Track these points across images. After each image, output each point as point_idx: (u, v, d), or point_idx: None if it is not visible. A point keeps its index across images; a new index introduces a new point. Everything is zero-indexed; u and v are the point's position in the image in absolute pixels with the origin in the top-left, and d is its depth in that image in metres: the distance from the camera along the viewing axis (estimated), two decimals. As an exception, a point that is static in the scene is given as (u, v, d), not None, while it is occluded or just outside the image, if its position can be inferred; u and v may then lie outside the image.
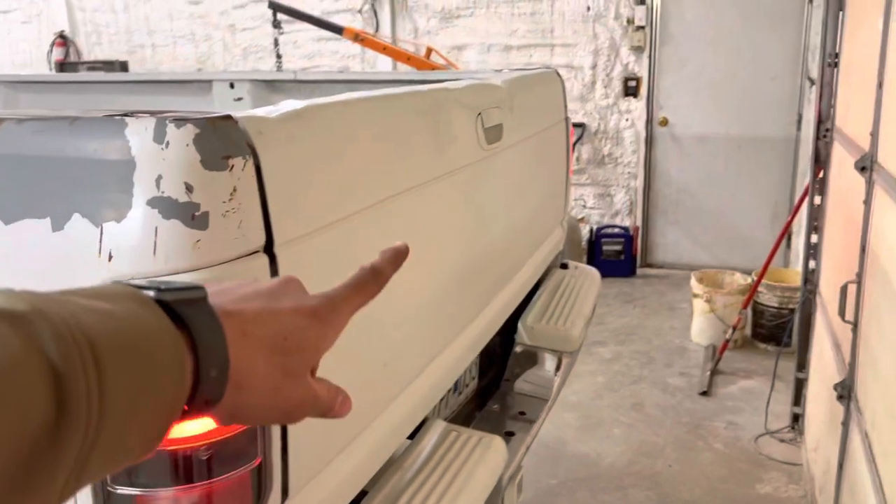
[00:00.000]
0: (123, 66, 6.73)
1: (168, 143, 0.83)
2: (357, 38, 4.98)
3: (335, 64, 6.34)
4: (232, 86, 2.95)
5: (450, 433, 1.51)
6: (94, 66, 6.69)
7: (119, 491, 0.87)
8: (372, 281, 0.58)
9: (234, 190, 0.87)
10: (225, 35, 6.60)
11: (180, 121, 0.84)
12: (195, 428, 0.89)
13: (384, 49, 5.03)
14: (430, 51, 5.03)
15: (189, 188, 0.83)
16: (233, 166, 0.87)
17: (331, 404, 0.55)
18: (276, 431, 0.96)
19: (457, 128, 1.51)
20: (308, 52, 6.35)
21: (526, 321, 2.09)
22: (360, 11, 6.10)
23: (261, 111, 0.97)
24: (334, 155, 1.09)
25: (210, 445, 0.90)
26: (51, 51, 7.08)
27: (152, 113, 0.88)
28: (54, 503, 0.39)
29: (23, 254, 0.86)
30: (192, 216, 0.83)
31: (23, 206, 0.86)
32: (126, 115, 0.87)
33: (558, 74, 2.44)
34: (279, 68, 5.63)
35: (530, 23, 5.79)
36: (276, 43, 5.47)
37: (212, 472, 0.91)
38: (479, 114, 1.62)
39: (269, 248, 0.92)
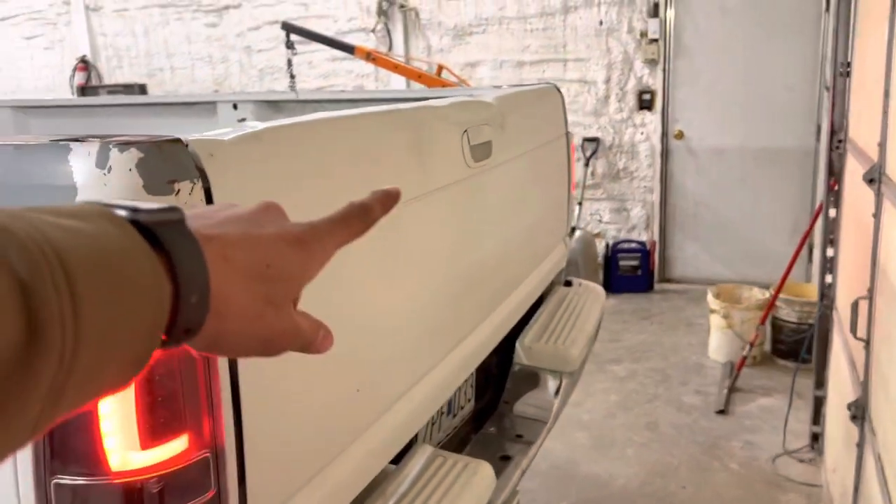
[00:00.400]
0: (142, 89, 6.82)
1: (110, 167, 0.82)
2: (369, 57, 5.00)
3: (350, 83, 6.37)
4: (235, 107, 2.96)
5: (436, 458, 1.47)
6: (114, 89, 6.80)
7: (66, 525, 0.85)
8: (359, 217, 0.55)
9: (181, 215, 0.84)
10: (241, 56, 6.67)
11: (124, 145, 0.83)
12: (147, 459, 0.86)
13: (395, 67, 5.03)
14: (441, 68, 5.03)
15: (131, 214, 0.81)
16: (179, 190, 0.85)
17: (312, 337, 0.52)
18: (232, 460, 0.93)
19: (440, 146, 1.48)
20: (323, 71, 6.39)
21: (523, 340, 2.04)
22: (373, 31, 6.13)
23: (215, 133, 0.95)
24: (299, 176, 1.06)
25: (161, 477, 0.87)
26: (73, 75, 7.21)
27: (101, 138, 0.86)
28: (27, 436, 0.36)
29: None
30: (134, 242, 0.81)
31: (-32, 233, 0.85)
32: (74, 140, 0.86)
33: (558, 89, 2.40)
34: (293, 88, 5.66)
35: (543, 38, 5.77)
36: (289, 63, 5.49)
37: (164, 503, 0.88)
38: (466, 131, 1.59)
39: (220, 274, 0.89)
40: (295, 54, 5.53)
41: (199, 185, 0.87)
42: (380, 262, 1.26)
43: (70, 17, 7.18)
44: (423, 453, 1.47)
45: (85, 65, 7.19)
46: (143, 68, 7.06)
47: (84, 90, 7.08)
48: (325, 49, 5.81)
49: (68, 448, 0.84)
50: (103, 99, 4.23)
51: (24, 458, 0.84)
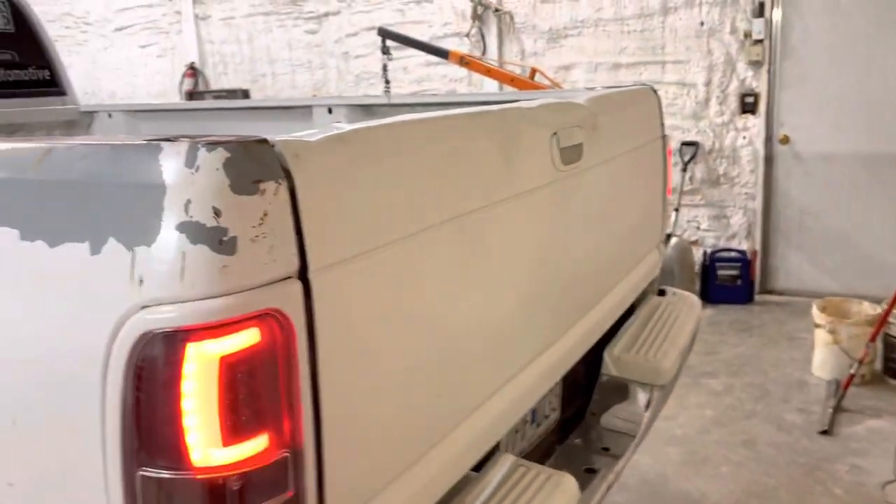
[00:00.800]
0: (245, 94, 7.08)
1: (198, 167, 0.83)
2: (462, 61, 5.01)
3: (443, 87, 6.40)
4: (330, 111, 3.02)
5: (518, 468, 1.44)
6: (219, 94, 7.09)
7: (149, 517, 0.87)
8: None
9: (265, 214, 0.85)
10: (339, 62, 6.81)
11: (212, 145, 0.84)
12: (228, 457, 0.87)
13: (488, 71, 5.02)
14: (534, 71, 4.99)
15: (217, 213, 0.82)
16: (264, 190, 0.85)
17: None
18: (311, 461, 0.93)
19: (528, 148, 1.45)
20: (417, 76, 6.45)
21: (612, 350, 1.98)
22: (468, 35, 6.14)
23: (302, 134, 0.96)
24: (383, 177, 1.06)
25: (242, 475, 0.88)
26: (182, 81, 7.56)
27: (191, 138, 0.88)
28: None
29: (64, 277, 0.88)
30: (219, 241, 0.82)
31: (67, 229, 0.88)
32: (166, 140, 0.88)
33: (654, 91, 2.32)
34: (387, 93, 5.73)
35: (640, 40, 5.62)
36: (384, 69, 5.57)
37: (243, 502, 0.88)
38: (555, 133, 1.55)
39: (303, 274, 0.89)
40: (390, 59, 5.61)
41: (284, 185, 0.87)
42: (465, 265, 1.24)
43: (181, 26, 7.53)
44: (505, 462, 1.43)
45: (193, 71, 7.52)
46: (247, 74, 7.32)
47: (192, 95, 7.41)
48: (419, 54, 5.86)
49: (154, 441, 0.86)
50: (206, 103, 4.41)
51: (113, 449, 0.86)
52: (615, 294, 1.99)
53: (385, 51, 5.47)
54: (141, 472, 0.86)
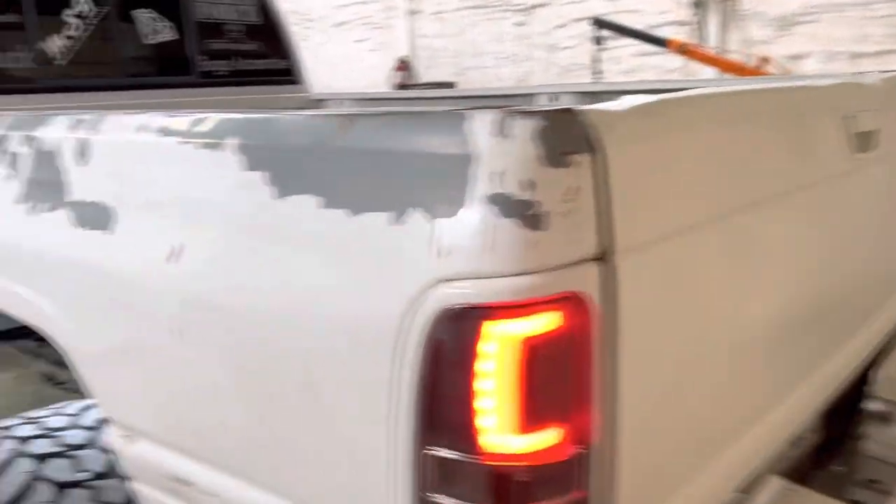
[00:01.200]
0: (450, 88, 7.23)
1: (508, 137, 0.78)
2: (682, 49, 4.76)
3: (655, 78, 6.13)
4: (553, 98, 2.94)
5: (787, 493, 1.28)
6: (429, 87, 7.30)
7: (434, 499, 0.83)
8: None
9: (576, 189, 0.78)
10: (544, 55, 6.75)
11: (522, 114, 0.78)
12: (519, 446, 0.81)
13: (711, 60, 4.73)
14: (764, 60, 4.62)
15: (528, 185, 0.76)
16: (576, 163, 0.79)
17: None
18: (604, 464, 0.85)
19: (818, 132, 1.29)
20: (627, 67, 6.23)
21: (885, 370, 1.73)
22: (686, 23, 5.83)
23: (609, 104, 0.88)
24: (683, 155, 0.96)
25: (533, 469, 0.82)
26: (392, 75, 7.86)
27: (496, 108, 0.83)
28: None
29: (363, 246, 0.86)
30: (529, 215, 0.76)
31: (367, 198, 0.86)
32: (470, 109, 0.83)
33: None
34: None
35: (887, 26, 5.03)
36: (596, 59, 5.43)
37: (529, 497, 0.83)
38: (847, 116, 1.36)
39: (609, 254, 0.82)
40: (602, 50, 5.46)
41: (596, 158, 0.80)
42: (758, 258, 1.11)
43: (394, 21, 7.83)
44: (773, 485, 1.28)
45: (404, 64, 7.80)
46: (454, 67, 7.46)
47: (402, 88, 7.69)
48: (630, 44, 5.66)
49: (445, 420, 0.82)
50: (429, 92, 4.52)
51: (401, 423, 0.84)
52: (891, 305, 1.75)
53: (597, 41, 5.34)
54: (427, 451, 0.83)
